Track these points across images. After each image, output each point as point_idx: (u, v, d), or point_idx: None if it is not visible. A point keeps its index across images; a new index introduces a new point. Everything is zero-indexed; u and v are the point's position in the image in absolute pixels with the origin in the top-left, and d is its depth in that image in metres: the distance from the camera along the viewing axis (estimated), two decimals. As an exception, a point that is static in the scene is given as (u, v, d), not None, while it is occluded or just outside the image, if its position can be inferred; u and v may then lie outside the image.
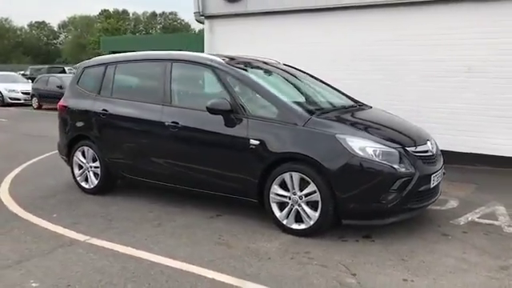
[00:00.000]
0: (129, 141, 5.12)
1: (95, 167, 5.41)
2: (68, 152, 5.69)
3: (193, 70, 4.95)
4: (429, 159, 4.14)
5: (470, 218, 4.51)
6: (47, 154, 7.92)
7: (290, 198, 4.07)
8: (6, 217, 4.71)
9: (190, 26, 76.66)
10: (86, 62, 5.91)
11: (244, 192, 4.35)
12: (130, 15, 76.56)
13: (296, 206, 4.04)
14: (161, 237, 4.11)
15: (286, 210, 4.10)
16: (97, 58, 5.95)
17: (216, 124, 4.42)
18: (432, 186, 4.07)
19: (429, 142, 4.29)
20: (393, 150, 3.87)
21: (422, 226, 4.27)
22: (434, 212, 4.66)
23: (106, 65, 5.53)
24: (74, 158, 5.60)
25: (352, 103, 4.99)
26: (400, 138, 4.13)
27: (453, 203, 4.99)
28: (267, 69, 5.18)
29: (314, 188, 3.90)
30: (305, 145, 3.98)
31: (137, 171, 5.10)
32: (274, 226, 4.23)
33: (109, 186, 5.47)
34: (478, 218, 4.54)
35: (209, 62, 4.69)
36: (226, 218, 4.57)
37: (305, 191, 3.97)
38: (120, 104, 5.19)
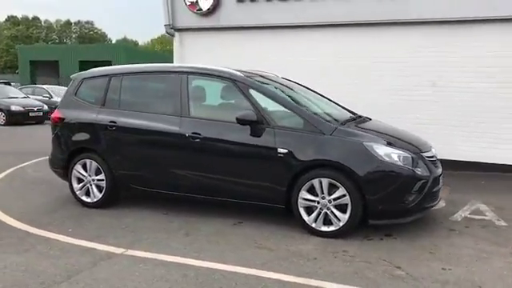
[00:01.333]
0: (143, 152, 5.10)
1: (99, 180, 5.30)
2: (65, 165, 5.50)
3: (211, 83, 5.09)
4: (435, 163, 4.68)
5: (463, 215, 5.12)
6: (12, 169, 7.52)
7: (318, 203, 4.36)
8: (16, 234, 4.48)
9: (106, 35, 74.48)
10: (85, 74, 5.77)
11: (270, 198, 4.57)
12: (42, 23, 72.19)
13: (325, 210, 4.34)
14: (197, 244, 4.19)
15: (315, 213, 4.38)
16: (95, 69, 5.83)
17: (241, 134, 4.61)
18: (440, 186, 4.60)
19: (432, 149, 4.83)
20: (413, 155, 4.33)
21: (428, 224, 4.77)
22: (430, 211, 5.20)
23: (109, 76, 5.46)
24: (74, 171, 5.43)
25: (354, 115, 5.42)
26: (411, 144, 4.61)
27: (441, 203, 5.58)
28: (274, 82, 5.46)
29: (344, 192, 4.24)
30: (335, 152, 4.32)
31: (152, 183, 5.08)
32: (299, 230, 4.48)
33: (112, 199, 5.38)
34: (469, 214, 5.16)
35: (229, 76, 4.88)
36: (248, 225, 4.74)
37: (334, 195, 4.29)
38: (131, 116, 5.17)
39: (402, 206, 4.27)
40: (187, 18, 9.14)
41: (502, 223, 4.85)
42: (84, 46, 45.97)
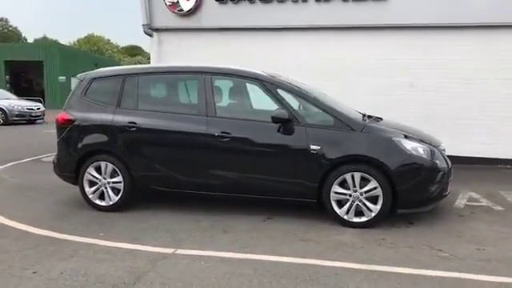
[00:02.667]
0: (167, 153, 5.07)
1: (115, 183, 5.18)
2: (75, 169, 5.31)
3: (237, 83, 5.18)
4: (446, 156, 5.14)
5: (463, 203, 5.65)
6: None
7: (350, 195, 4.63)
8: (46, 241, 4.28)
9: (21, 33, 69.83)
10: (94, 74, 5.58)
11: (303, 194, 4.77)
12: None
13: (357, 202, 4.63)
14: (242, 240, 4.27)
15: (347, 206, 4.65)
16: (105, 69, 5.67)
17: (272, 133, 4.77)
18: (451, 177, 5.07)
19: (442, 143, 5.30)
20: (434, 149, 4.75)
21: (438, 212, 5.21)
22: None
23: (123, 76, 5.35)
24: (86, 174, 5.26)
25: (364, 115, 5.73)
26: (428, 139, 5.03)
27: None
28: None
29: (376, 184, 4.54)
30: (367, 148, 4.61)
31: (177, 183, 5.06)
32: (329, 222, 4.73)
33: (128, 201, 5.29)
34: (468, 202, 5.71)
35: (255, 76, 5.01)
36: (279, 220, 4.89)
37: (365, 188, 4.59)
38: (153, 116, 5.11)
39: (426, 195, 4.66)
40: (166, 19, 9.07)
41: (499, 208, 5.44)
42: (8, 45, 42.89)
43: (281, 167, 4.80)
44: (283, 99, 4.86)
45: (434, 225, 4.77)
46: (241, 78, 5.11)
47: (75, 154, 5.32)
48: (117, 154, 5.16)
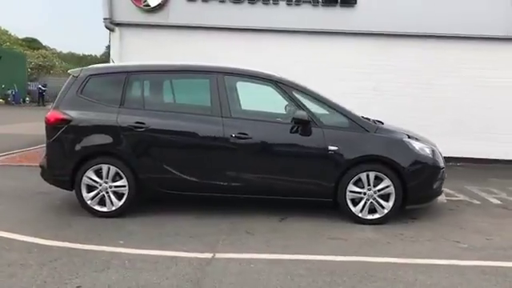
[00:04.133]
0: (179, 155, 4.89)
1: (117, 187, 4.88)
2: (71, 173, 4.91)
3: (251, 84, 5.13)
4: None
5: (444, 198, 6.11)
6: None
7: (364, 194, 4.86)
8: (64, 252, 3.93)
9: None
10: (91, 70, 5.17)
11: (319, 193, 4.90)
12: None
13: (371, 200, 4.86)
14: (274, 241, 4.30)
15: (361, 204, 4.87)
16: (104, 65, 5.30)
17: (289, 134, 4.84)
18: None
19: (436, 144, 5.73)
20: (435, 149, 5.14)
21: (427, 208, 5.58)
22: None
23: (126, 74, 5.05)
24: (84, 178, 4.89)
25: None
26: (425, 140, 5.42)
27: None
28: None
29: (389, 183, 4.81)
30: (382, 148, 4.86)
31: (189, 186, 4.90)
32: (343, 220, 4.92)
33: (131, 206, 5.02)
34: (447, 197, 6.19)
35: (270, 77, 5.03)
36: (294, 220, 4.97)
37: (379, 186, 4.84)
38: (163, 116, 4.90)
39: (430, 191, 5.04)
40: (131, 13, 8.67)
41: (476, 201, 6.05)
42: None
43: (298, 168, 4.88)
44: (299, 101, 4.94)
45: (434, 219, 5.17)
46: (254, 78, 5.09)
47: (72, 156, 4.90)
48: (121, 155, 4.86)
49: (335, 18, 8.52)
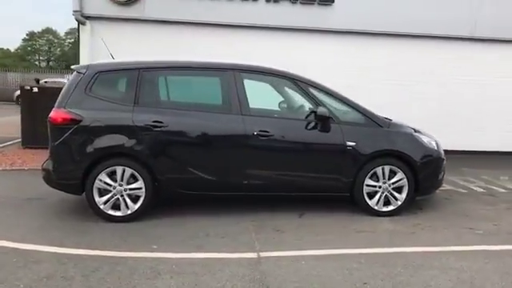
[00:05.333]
0: (200, 154, 4.75)
1: (133, 189, 4.67)
2: (82, 177, 4.61)
3: (267, 81, 5.11)
4: None
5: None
6: None
7: (380, 187, 5.04)
8: (102, 261, 3.70)
9: None
10: (99, 66, 4.85)
11: (338, 188, 5.00)
12: None
13: (386, 193, 5.06)
14: (306, 238, 4.34)
15: (377, 197, 5.05)
16: (112, 61, 4.97)
17: (309, 130, 4.90)
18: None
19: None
20: (438, 141, 5.44)
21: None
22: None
23: (138, 70, 4.81)
24: (96, 182, 4.61)
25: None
26: (428, 133, 5.71)
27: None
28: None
29: (402, 176, 5.03)
30: (396, 143, 5.06)
31: (209, 185, 4.78)
32: (357, 213, 5.07)
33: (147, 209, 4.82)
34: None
35: (286, 74, 5.05)
36: (313, 215, 5.03)
37: (393, 179, 5.04)
38: (182, 115, 4.74)
39: (435, 182, 5.34)
40: (103, 6, 8.23)
41: (462, 190, 6.49)
42: None
43: (318, 164, 4.95)
44: (316, 97, 5.01)
45: (437, 209, 5.49)
46: (271, 75, 5.08)
47: (83, 159, 4.60)
48: (138, 156, 4.64)
49: (313, 15, 8.67)
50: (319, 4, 8.67)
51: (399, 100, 8.97)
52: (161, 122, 4.65)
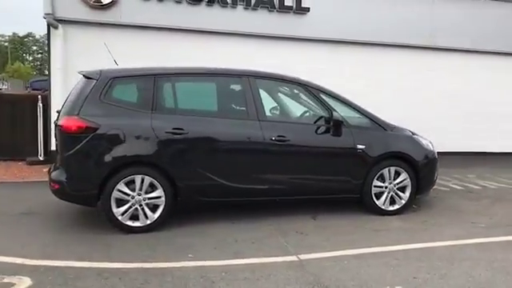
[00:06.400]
0: (220, 160, 4.72)
1: (152, 198, 4.55)
2: (99, 187, 4.42)
3: (280, 87, 5.20)
4: None
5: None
6: None
7: (386, 188, 5.31)
8: (147, 273, 3.58)
9: None
10: (113, 72, 4.66)
11: (349, 190, 5.20)
12: None
13: (392, 193, 5.34)
14: (335, 238, 4.47)
15: (384, 197, 5.31)
16: (126, 68, 4.79)
17: (323, 135, 5.07)
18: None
19: None
20: (432, 142, 5.82)
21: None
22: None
23: (153, 77, 4.70)
24: (114, 192, 4.44)
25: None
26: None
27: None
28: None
29: (406, 176, 5.34)
30: (400, 145, 5.36)
31: (229, 192, 4.77)
32: (363, 213, 5.30)
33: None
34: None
35: (298, 80, 5.18)
36: (326, 217, 5.18)
37: (398, 180, 5.33)
38: (200, 121, 4.71)
39: (433, 180, 5.71)
40: (77, 9, 7.86)
41: (444, 188, 6.96)
42: None
43: (332, 167, 5.11)
44: (327, 103, 5.18)
45: (432, 205, 5.86)
46: (284, 81, 5.19)
47: (101, 168, 4.41)
48: (158, 164, 4.53)
49: (288, 24, 8.88)
50: (295, 13, 8.90)
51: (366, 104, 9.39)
52: (181, 129, 4.58)
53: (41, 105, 8.45)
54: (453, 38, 9.79)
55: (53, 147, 8.13)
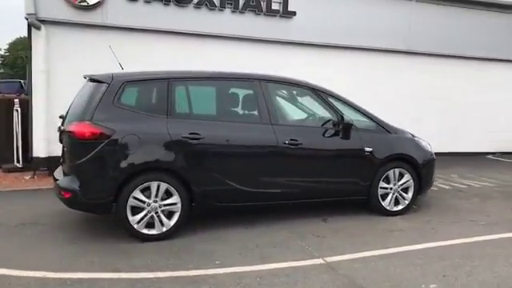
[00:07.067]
0: (237, 165, 4.70)
1: (167, 205, 4.46)
2: (114, 194, 4.28)
3: (290, 90, 5.22)
4: None
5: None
6: None
7: (391, 189, 5.45)
8: (185, 280, 3.51)
9: None
10: (125, 76, 4.51)
11: (357, 192, 5.30)
12: None
13: (396, 194, 5.49)
14: (354, 240, 4.55)
15: (389, 198, 5.45)
16: (138, 71, 4.65)
17: (333, 138, 5.15)
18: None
19: None
20: (429, 143, 6.02)
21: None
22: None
23: (167, 81, 4.61)
24: (130, 200, 4.32)
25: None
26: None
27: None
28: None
29: (409, 177, 5.51)
30: (404, 147, 5.52)
31: (246, 196, 4.74)
32: (369, 214, 5.43)
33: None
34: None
35: (308, 84, 5.23)
36: (336, 219, 5.24)
37: (402, 181, 5.49)
38: (215, 126, 4.67)
39: (431, 180, 5.92)
40: (61, 10, 7.56)
41: (434, 188, 7.19)
42: None
43: (342, 170, 5.20)
44: (335, 106, 5.26)
45: (429, 205, 6.06)
46: (294, 85, 5.23)
47: (117, 175, 4.28)
48: (175, 170, 4.44)
49: (275, 27, 8.93)
50: (281, 16, 8.97)
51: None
52: (197, 134, 4.51)
53: (19, 109, 8.04)
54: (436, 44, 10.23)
55: (35, 154, 7.81)
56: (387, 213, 5.43)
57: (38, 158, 7.73)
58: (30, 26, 7.58)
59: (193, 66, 7.66)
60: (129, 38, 8.06)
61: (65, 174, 4.53)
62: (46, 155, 7.71)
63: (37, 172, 7.69)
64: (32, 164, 7.77)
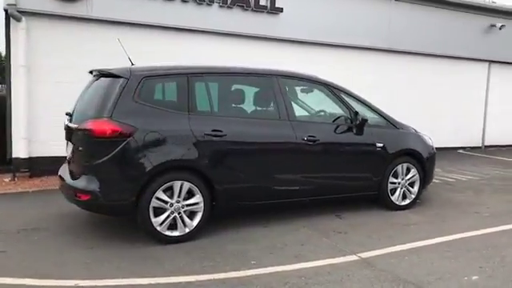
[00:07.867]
0: (260, 162, 4.60)
1: (191, 205, 4.30)
2: (137, 195, 4.07)
3: (304, 86, 5.15)
4: None
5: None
6: None
7: (399, 183, 5.55)
8: (230, 283, 3.38)
9: None
10: (144, 71, 4.27)
11: (369, 188, 5.35)
12: None
13: (404, 189, 5.59)
14: (376, 235, 4.57)
15: (397, 193, 5.54)
16: (157, 65, 4.41)
17: (347, 134, 5.16)
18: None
19: None
20: (430, 138, 6.17)
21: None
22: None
23: (186, 76, 4.43)
24: (153, 200, 4.13)
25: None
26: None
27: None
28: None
29: (415, 172, 5.63)
30: (411, 142, 5.62)
31: (267, 194, 4.66)
32: (379, 209, 5.50)
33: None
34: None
35: (321, 80, 5.20)
36: (349, 215, 5.27)
37: (409, 175, 5.60)
38: (237, 123, 4.54)
39: (433, 175, 6.07)
40: (44, 1, 7.08)
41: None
42: None
43: (356, 165, 5.23)
44: (348, 102, 5.27)
45: (430, 199, 6.22)
46: (308, 81, 5.19)
47: (140, 175, 4.07)
48: (198, 169, 4.29)
49: (262, 23, 8.85)
50: (268, 13, 8.90)
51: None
52: (220, 131, 4.37)
53: (-6, 107, 7.51)
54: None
55: (14, 154, 7.30)
56: (396, 207, 5.52)
57: (17, 158, 7.23)
58: (8, 18, 7.06)
59: (180, 61, 7.53)
60: (114, 31, 7.66)
61: (73, 175, 4.25)
62: (27, 156, 7.24)
63: (17, 174, 7.19)
64: (11, 165, 7.25)
